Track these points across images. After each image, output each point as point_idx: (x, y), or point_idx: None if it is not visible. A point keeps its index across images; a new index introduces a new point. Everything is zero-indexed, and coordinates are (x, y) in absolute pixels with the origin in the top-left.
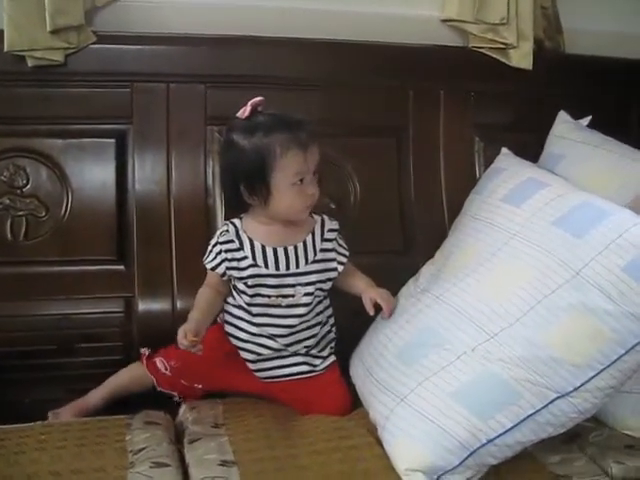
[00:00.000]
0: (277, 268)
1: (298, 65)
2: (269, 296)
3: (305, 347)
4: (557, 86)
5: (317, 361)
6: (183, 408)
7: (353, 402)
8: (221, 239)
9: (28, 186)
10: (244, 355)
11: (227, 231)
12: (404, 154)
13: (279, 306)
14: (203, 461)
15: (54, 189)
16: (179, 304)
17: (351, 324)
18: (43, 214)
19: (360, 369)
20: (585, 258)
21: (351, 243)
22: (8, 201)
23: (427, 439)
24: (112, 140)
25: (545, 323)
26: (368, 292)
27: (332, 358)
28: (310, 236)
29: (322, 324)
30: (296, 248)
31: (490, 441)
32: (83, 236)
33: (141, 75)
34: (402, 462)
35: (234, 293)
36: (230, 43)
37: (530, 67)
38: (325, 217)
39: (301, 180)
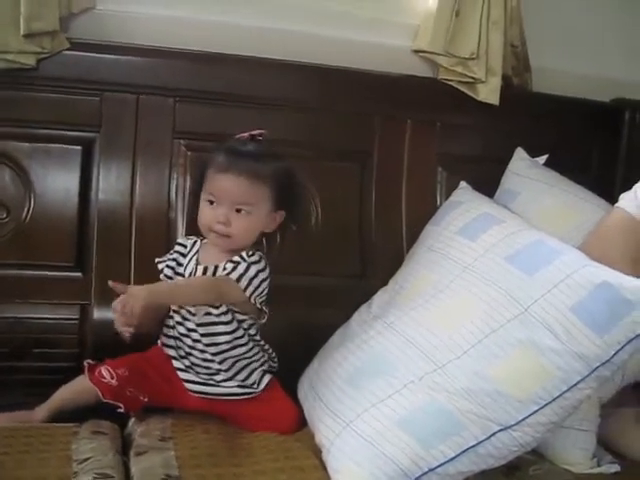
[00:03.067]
0: None
1: (268, 86)
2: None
3: (225, 371)
4: (522, 122)
5: (249, 384)
6: (132, 420)
7: (301, 418)
8: (180, 240)
9: None
10: (174, 363)
11: (190, 238)
12: (367, 179)
13: (190, 321)
14: (147, 474)
15: (17, 192)
16: None
17: (294, 342)
18: (4, 216)
19: (309, 392)
20: (534, 295)
21: (310, 264)
22: None
23: (370, 465)
24: (79, 147)
25: (492, 357)
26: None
27: (267, 377)
28: (223, 263)
29: (228, 360)
30: (205, 270)
31: (432, 470)
32: (43, 241)
33: (112, 85)
34: None
35: None
36: (203, 59)
37: (497, 102)
38: (243, 254)
39: (211, 202)
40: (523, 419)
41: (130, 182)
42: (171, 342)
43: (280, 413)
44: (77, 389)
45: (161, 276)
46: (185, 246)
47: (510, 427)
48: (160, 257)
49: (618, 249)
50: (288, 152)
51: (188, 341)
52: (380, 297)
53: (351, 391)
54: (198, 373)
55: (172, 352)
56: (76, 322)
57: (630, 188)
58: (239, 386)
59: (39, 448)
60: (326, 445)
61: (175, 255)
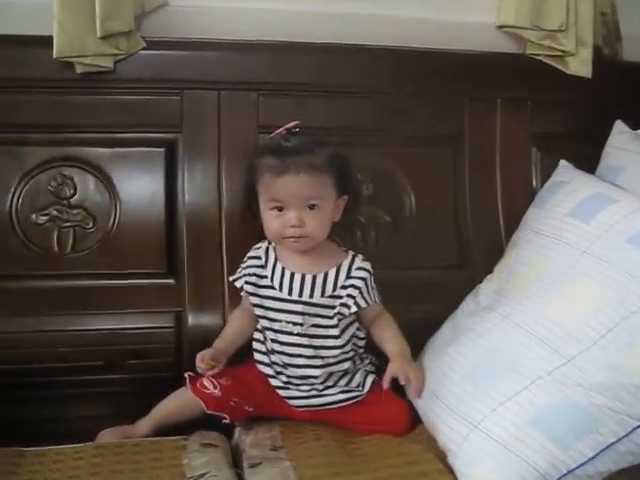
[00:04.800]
0: (290, 293)
1: (351, 73)
2: (280, 321)
3: (322, 383)
4: (616, 94)
5: (353, 387)
6: (238, 430)
7: (412, 417)
8: (251, 253)
9: (75, 196)
10: (271, 382)
11: (259, 247)
12: (460, 165)
13: (290, 334)
14: None
15: (102, 200)
16: None
17: None
18: (90, 225)
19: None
20: None
21: (406, 257)
22: (55, 212)
23: (505, 470)
24: (161, 149)
25: (625, 346)
26: (393, 364)
27: (371, 378)
28: (334, 270)
29: (332, 377)
30: (315, 278)
31: (570, 471)
32: (131, 248)
33: (191, 82)
34: None
35: None
36: (283, 49)
37: (589, 75)
38: (358, 256)
39: (279, 209)
40: None
41: (217, 182)
42: (265, 359)
43: (391, 414)
44: (179, 402)
45: (242, 293)
46: (259, 257)
47: None
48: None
49: None
50: (376, 140)
51: (284, 357)
52: (487, 286)
53: (473, 389)
54: (298, 385)
55: (268, 370)
56: (171, 330)
57: None
58: (343, 392)
59: (150, 465)
60: (452, 449)
61: (252, 269)
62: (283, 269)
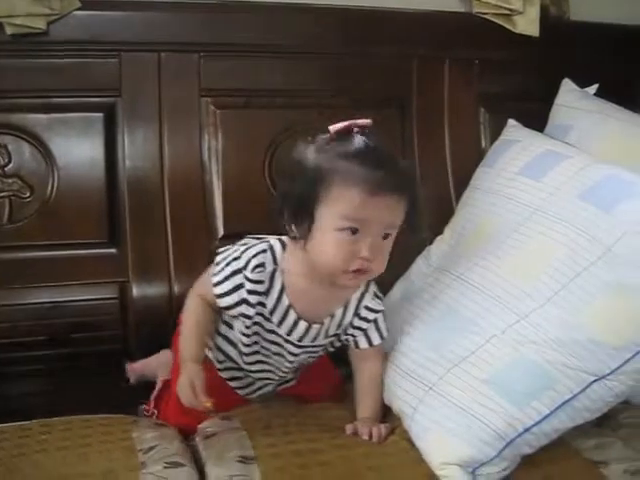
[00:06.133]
0: (289, 334)
1: (296, 33)
2: (272, 353)
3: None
4: (563, 54)
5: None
6: None
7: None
8: (251, 275)
9: (10, 165)
10: (233, 384)
11: (262, 267)
12: (408, 126)
13: (278, 365)
14: (221, 458)
15: (38, 168)
16: (177, 288)
17: None
18: (27, 195)
19: None
20: (616, 233)
21: None
22: None
23: (462, 430)
24: (100, 114)
25: (579, 302)
26: (361, 426)
27: None
28: (341, 310)
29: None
30: (321, 326)
31: (527, 430)
32: (71, 218)
33: (130, 44)
34: (436, 455)
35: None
36: (226, 9)
37: (537, 34)
38: (369, 290)
39: (353, 231)
40: (618, 367)
41: (158, 146)
42: (238, 375)
43: (327, 380)
44: None
45: (243, 327)
46: (262, 282)
47: (605, 377)
48: (197, 223)
49: None
50: (321, 103)
51: (259, 374)
52: (438, 247)
53: (428, 351)
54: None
55: (235, 383)
56: (115, 301)
57: None
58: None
59: (99, 439)
60: (407, 412)
61: (253, 297)
62: (288, 308)
